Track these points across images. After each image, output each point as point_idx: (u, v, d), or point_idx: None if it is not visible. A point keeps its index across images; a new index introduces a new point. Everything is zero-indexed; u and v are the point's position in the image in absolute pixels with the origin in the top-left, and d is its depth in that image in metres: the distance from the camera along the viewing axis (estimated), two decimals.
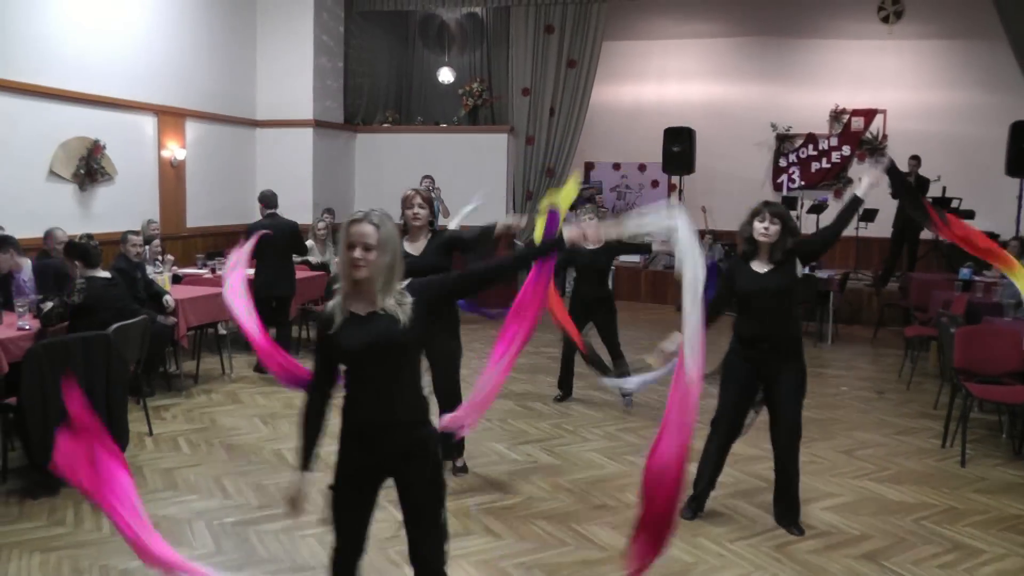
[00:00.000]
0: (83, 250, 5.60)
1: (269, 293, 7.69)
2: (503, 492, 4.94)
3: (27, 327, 5.43)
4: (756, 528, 4.46)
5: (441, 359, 5.05)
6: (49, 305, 5.46)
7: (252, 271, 7.98)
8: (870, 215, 11.94)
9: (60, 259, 6.25)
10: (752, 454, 5.34)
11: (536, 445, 5.83)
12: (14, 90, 7.96)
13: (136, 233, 7.13)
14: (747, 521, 4.57)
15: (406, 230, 4.98)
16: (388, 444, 2.79)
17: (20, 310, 5.56)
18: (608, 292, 6.95)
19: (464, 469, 5.25)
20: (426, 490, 2.87)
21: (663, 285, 12.84)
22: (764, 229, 4.27)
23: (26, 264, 6.32)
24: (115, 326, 5.19)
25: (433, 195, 9.49)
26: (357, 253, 2.67)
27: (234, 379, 7.56)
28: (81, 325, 5.33)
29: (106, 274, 5.70)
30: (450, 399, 5.10)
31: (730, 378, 4.51)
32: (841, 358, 9.10)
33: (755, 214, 4.34)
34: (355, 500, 2.89)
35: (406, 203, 4.99)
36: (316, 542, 4.14)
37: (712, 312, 4.51)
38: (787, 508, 4.52)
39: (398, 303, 2.72)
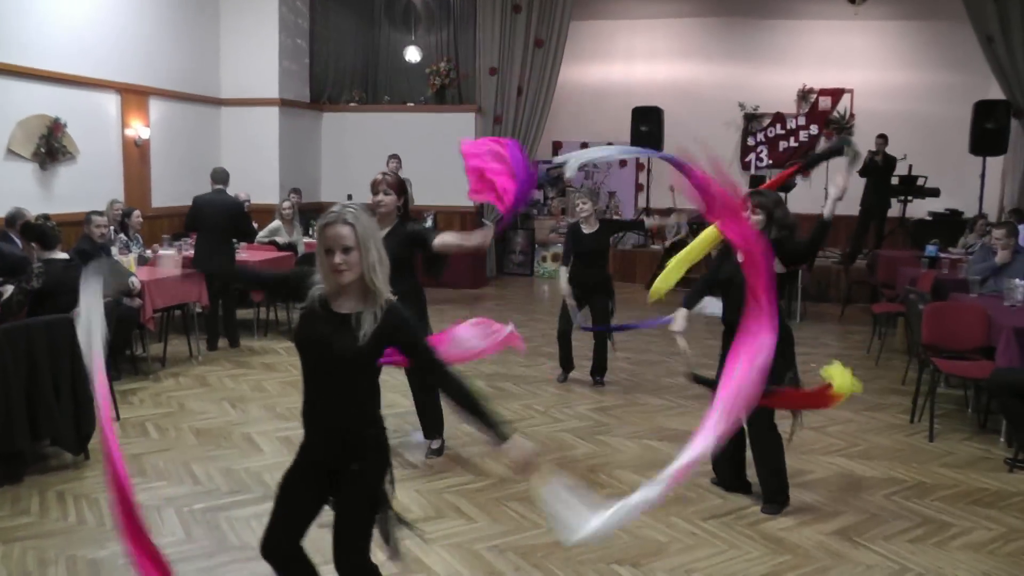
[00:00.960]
0: (40, 231, 5.47)
1: (203, 269, 7.61)
2: (475, 474, 4.92)
3: None
4: (728, 507, 4.49)
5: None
6: (9, 291, 5.33)
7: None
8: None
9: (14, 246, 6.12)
10: None
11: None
12: None
13: (100, 214, 7.01)
14: (718, 500, 4.59)
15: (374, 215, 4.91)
16: (327, 443, 2.77)
17: None
18: (606, 276, 6.87)
19: (439, 452, 5.23)
20: (356, 498, 2.81)
21: (631, 263, 12.86)
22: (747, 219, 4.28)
23: None
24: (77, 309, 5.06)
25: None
26: (337, 258, 2.58)
27: (202, 362, 7.46)
28: (41, 310, 5.21)
29: (64, 255, 5.58)
30: (430, 410, 5.18)
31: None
32: (809, 335, 9.15)
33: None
34: (297, 488, 2.87)
35: (373, 188, 4.88)
36: None
37: (695, 296, 4.56)
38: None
39: (373, 313, 2.62)
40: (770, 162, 13.87)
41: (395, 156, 10.27)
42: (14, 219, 6.88)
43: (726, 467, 4.69)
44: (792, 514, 4.39)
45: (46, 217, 5.58)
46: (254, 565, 3.69)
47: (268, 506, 4.29)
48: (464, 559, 3.86)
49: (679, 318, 4.53)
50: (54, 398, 4.79)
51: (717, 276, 4.57)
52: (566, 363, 6.99)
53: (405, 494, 4.55)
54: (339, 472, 2.77)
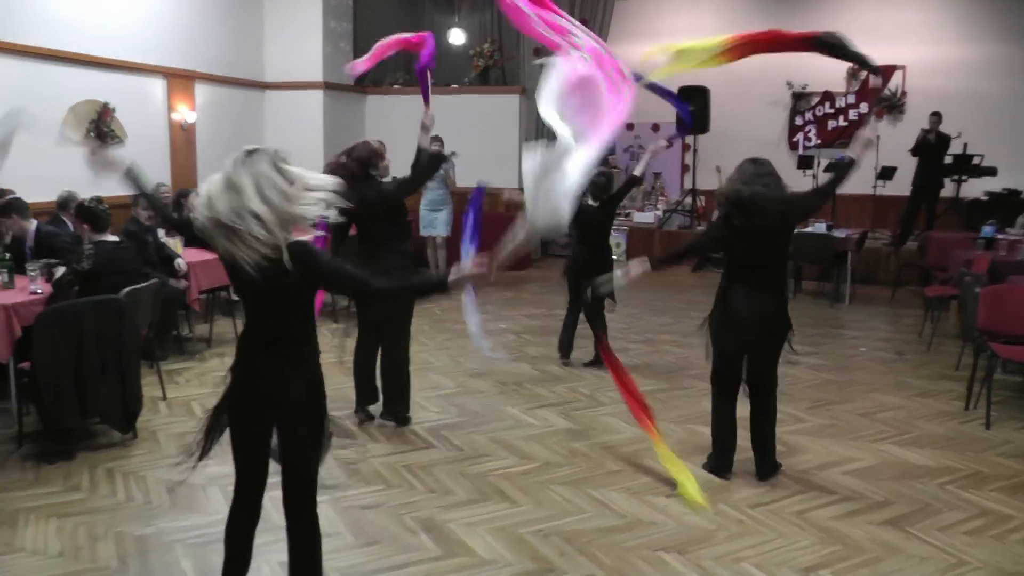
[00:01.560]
0: (92, 213, 5.53)
1: None
2: (519, 457, 4.90)
3: (39, 291, 5.39)
4: (775, 494, 4.39)
5: (391, 332, 5.12)
6: (61, 271, 5.41)
7: None
8: (888, 173, 11.75)
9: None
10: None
11: (552, 409, 5.78)
12: (25, 54, 7.89)
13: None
14: (766, 487, 4.50)
15: None
16: (267, 377, 2.79)
17: (32, 274, 5.52)
18: (607, 255, 6.75)
19: (407, 421, 5.32)
20: (295, 432, 2.86)
21: (677, 245, 12.68)
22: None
23: (31, 228, 6.27)
24: (127, 290, 5.14)
25: (447, 162, 9.44)
26: None
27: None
28: (91, 290, 5.28)
29: (114, 238, 5.64)
30: (394, 378, 5.27)
31: None
32: (858, 319, 8.99)
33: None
34: (246, 430, 2.89)
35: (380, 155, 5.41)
36: (332, 509, 4.10)
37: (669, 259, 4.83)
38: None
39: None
40: (818, 141, 13.59)
41: (437, 138, 10.20)
42: (66, 202, 6.98)
43: (730, 451, 4.64)
44: (841, 502, 4.30)
45: (99, 200, 5.63)
46: None
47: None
48: (508, 543, 3.83)
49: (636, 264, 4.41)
50: (102, 377, 4.85)
51: (710, 247, 4.71)
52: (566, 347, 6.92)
53: (449, 478, 4.56)
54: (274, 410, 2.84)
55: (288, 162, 2.70)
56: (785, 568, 3.63)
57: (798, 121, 13.92)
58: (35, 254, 6.04)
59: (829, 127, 13.70)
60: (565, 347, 6.89)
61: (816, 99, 13.77)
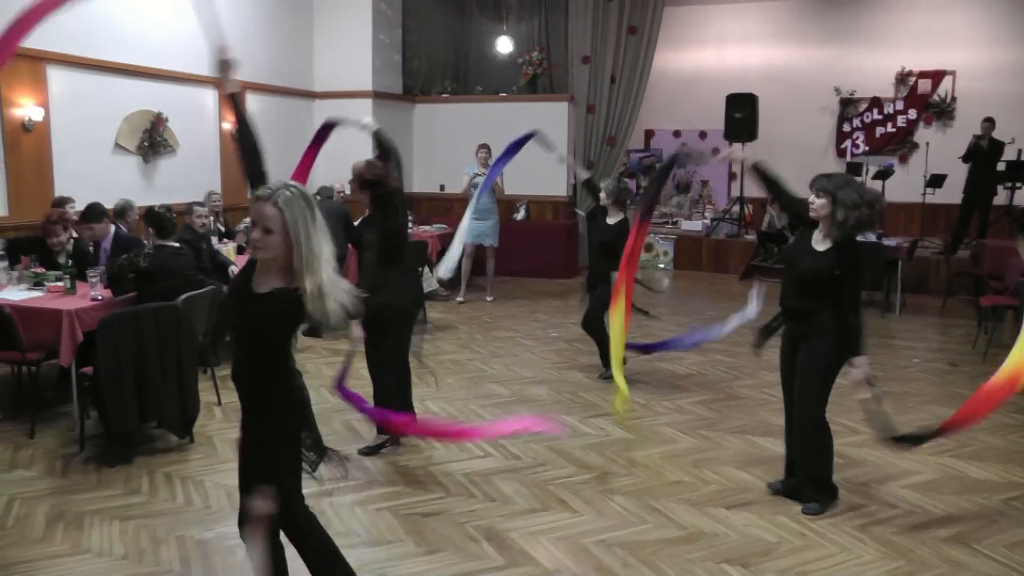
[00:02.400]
0: (158, 219, 5.63)
1: None
2: (577, 466, 4.88)
3: (99, 297, 5.48)
4: (837, 506, 4.32)
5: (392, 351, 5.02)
6: (122, 257, 5.50)
7: None
8: (937, 180, 11.56)
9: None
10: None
11: (607, 419, 5.75)
12: (82, 66, 8.05)
13: (201, 204, 7.18)
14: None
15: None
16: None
17: (92, 280, 5.62)
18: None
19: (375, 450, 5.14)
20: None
21: (724, 254, 12.60)
22: (810, 203, 4.13)
23: (111, 231, 6.44)
24: (184, 296, 5.22)
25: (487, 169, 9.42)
26: (255, 234, 2.58)
27: (300, 349, 7.58)
28: (148, 291, 5.37)
29: (175, 244, 5.73)
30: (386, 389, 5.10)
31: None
32: (910, 329, 8.84)
33: (810, 186, 4.18)
34: None
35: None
36: (392, 516, 4.11)
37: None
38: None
39: (289, 296, 2.57)
40: (867, 148, 13.43)
41: (484, 146, 10.21)
42: (123, 210, 7.09)
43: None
44: (903, 517, 4.23)
45: (168, 208, 5.75)
46: (360, 552, 3.72)
47: (372, 492, 4.39)
48: (571, 552, 3.82)
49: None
50: (161, 382, 4.91)
51: (796, 219, 4.46)
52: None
53: (509, 486, 4.55)
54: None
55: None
56: None
57: (846, 128, 13.76)
58: (113, 254, 6.18)
59: (877, 134, 13.54)
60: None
61: (864, 105, 13.60)
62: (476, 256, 10.23)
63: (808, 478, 4.33)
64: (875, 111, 13.57)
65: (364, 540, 3.90)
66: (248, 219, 2.86)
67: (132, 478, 4.64)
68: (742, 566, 3.70)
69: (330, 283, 2.56)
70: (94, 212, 6.34)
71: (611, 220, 6.47)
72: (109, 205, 7.32)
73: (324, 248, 2.58)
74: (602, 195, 6.53)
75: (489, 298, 10.05)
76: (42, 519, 4.15)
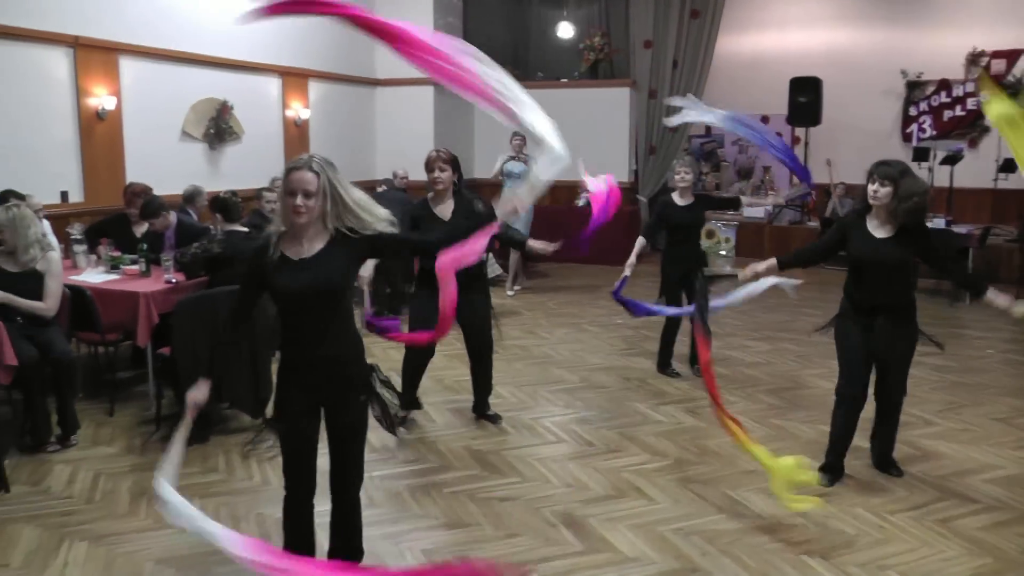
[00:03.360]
0: (225, 205, 5.70)
1: None
2: (651, 454, 4.86)
3: (172, 280, 5.57)
4: (915, 500, 4.25)
5: (474, 319, 4.99)
6: (193, 247, 5.58)
7: None
8: (1010, 165, 11.20)
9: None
10: (902, 420, 5.01)
11: (678, 406, 5.72)
12: (149, 55, 8.21)
13: (270, 190, 7.25)
14: (904, 492, 4.35)
15: (432, 191, 4.99)
16: (322, 379, 2.94)
17: (166, 264, 5.72)
18: (702, 252, 6.42)
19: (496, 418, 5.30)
20: (351, 425, 3.03)
21: (787, 241, 12.40)
22: (873, 192, 4.09)
23: (173, 221, 6.51)
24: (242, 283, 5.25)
25: (525, 156, 9.32)
26: (298, 200, 2.77)
27: (366, 334, 7.61)
28: (220, 276, 5.45)
29: (243, 228, 5.79)
30: (482, 358, 5.15)
31: (844, 344, 4.36)
32: (981, 318, 8.60)
33: (869, 175, 4.13)
34: (298, 436, 3.03)
35: (428, 166, 4.91)
36: (469, 500, 4.13)
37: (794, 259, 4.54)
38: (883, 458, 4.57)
39: (337, 242, 2.86)
40: (934, 132, 13.05)
41: (519, 135, 10.05)
42: (192, 196, 7.21)
43: (842, 452, 4.48)
44: (986, 512, 4.13)
45: (233, 193, 5.83)
46: (438, 534, 3.74)
47: (447, 476, 4.41)
48: (649, 540, 3.81)
49: (765, 266, 4.46)
50: (236, 364, 4.97)
51: (830, 248, 4.39)
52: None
53: (584, 472, 4.55)
54: (328, 408, 3.01)
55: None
56: None
57: (912, 111, 13.39)
58: (177, 244, 6.28)
59: (945, 117, 13.15)
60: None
61: (932, 88, 13.22)
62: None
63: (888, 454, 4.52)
64: (943, 93, 13.16)
65: (442, 523, 3.92)
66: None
67: (209, 457, 4.74)
68: (822, 558, 3.65)
69: (367, 203, 2.92)
70: (152, 208, 6.35)
71: (684, 202, 6.25)
72: (177, 192, 7.47)
73: (356, 195, 2.90)
74: (679, 177, 6.28)
75: (510, 293, 9.72)
76: (126, 494, 4.28)
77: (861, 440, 4.59)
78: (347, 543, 3.21)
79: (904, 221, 4.06)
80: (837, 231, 4.34)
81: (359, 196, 2.90)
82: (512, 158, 9.52)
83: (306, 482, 3.09)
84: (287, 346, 2.98)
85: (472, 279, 4.93)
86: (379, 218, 2.91)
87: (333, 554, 3.21)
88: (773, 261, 4.46)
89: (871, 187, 4.09)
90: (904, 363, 4.32)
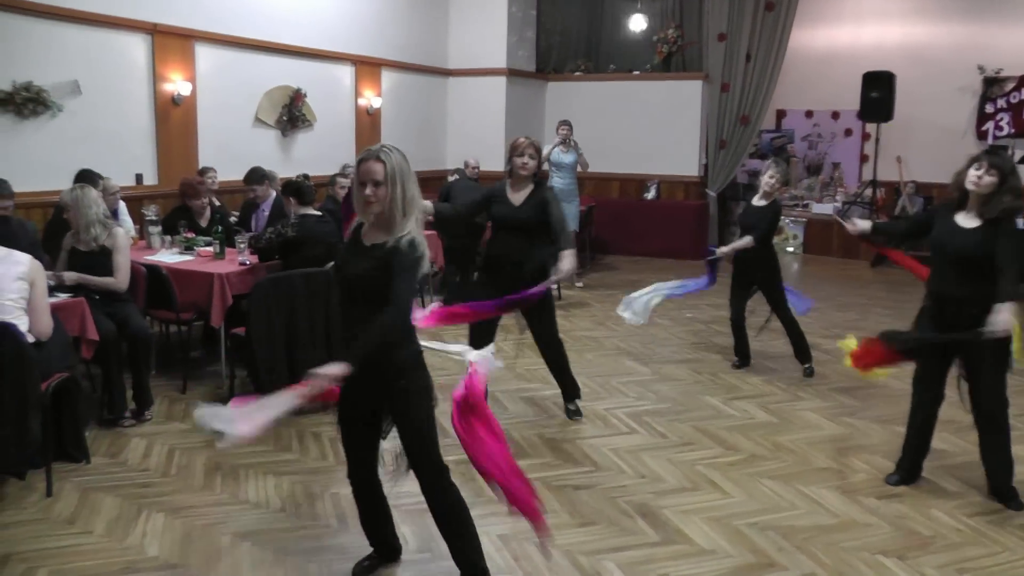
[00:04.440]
0: (298, 188, 5.76)
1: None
2: (724, 447, 4.81)
3: (247, 263, 5.65)
4: (993, 504, 4.11)
5: (536, 308, 4.89)
6: (268, 231, 5.67)
7: None
8: None
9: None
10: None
11: (750, 401, 5.65)
12: (225, 43, 8.35)
13: (344, 176, 7.30)
14: (980, 496, 4.21)
15: (511, 176, 4.91)
16: (381, 366, 2.89)
17: (241, 246, 5.80)
18: (771, 250, 6.18)
19: (578, 413, 5.25)
20: (409, 407, 2.98)
21: (855, 239, 12.11)
22: (977, 177, 3.86)
23: (272, 195, 6.67)
24: (333, 264, 5.31)
25: (572, 144, 9.21)
26: (368, 190, 2.79)
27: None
28: (294, 259, 5.50)
29: (317, 212, 5.84)
30: (551, 345, 5.08)
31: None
32: None
33: (973, 160, 3.93)
34: (356, 421, 3.08)
35: (516, 150, 4.86)
36: (542, 486, 4.14)
37: (882, 237, 4.64)
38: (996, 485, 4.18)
39: (402, 237, 2.82)
40: (1012, 131, 12.60)
41: (566, 122, 9.89)
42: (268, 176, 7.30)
43: (915, 455, 4.33)
44: None
45: (306, 176, 5.90)
46: (514, 521, 3.71)
47: (521, 463, 4.35)
48: (724, 533, 3.76)
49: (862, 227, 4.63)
50: (311, 345, 5.03)
51: (915, 225, 4.30)
52: (742, 353, 6.46)
53: (657, 464, 4.52)
54: (388, 394, 2.97)
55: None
56: None
57: (988, 108, 12.95)
58: (271, 220, 6.40)
59: None
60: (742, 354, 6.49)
61: (1011, 85, 12.76)
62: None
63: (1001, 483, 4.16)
64: (1023, 91, 12.74)
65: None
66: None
67: (282, 436, 4.79)
68: (898, 558, 3.57)
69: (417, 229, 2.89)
70: (256, 175, 6.56)
71: (760, 202, 6.11)
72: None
73: (416, 195, 2.89)
74: (770, 179, 6.14)
75: (579, 284, 9.59)
76: (201, 469, 4.36)
77: (938, 442, 4.46)
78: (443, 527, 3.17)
79: (996, 216, 3.86)
80: (926, 212, 4.21)
81: (413, 195, 2.87)
82: (559, 145, 9.34)
83: (366, 464, 3.17)
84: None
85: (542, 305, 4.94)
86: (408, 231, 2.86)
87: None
88: (869, 224, 4.66)
89: (974, 172, 3.88)
90: (994, 367, 4.00)
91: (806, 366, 6.23)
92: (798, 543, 3.67)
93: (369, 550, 3.39)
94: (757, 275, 6.13)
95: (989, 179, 3.85)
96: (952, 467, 4.47)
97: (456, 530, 3.11)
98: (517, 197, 4.87)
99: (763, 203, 6.04)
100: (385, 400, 3.00)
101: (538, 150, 4.87)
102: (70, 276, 4.92)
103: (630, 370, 6.35)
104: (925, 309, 4.18)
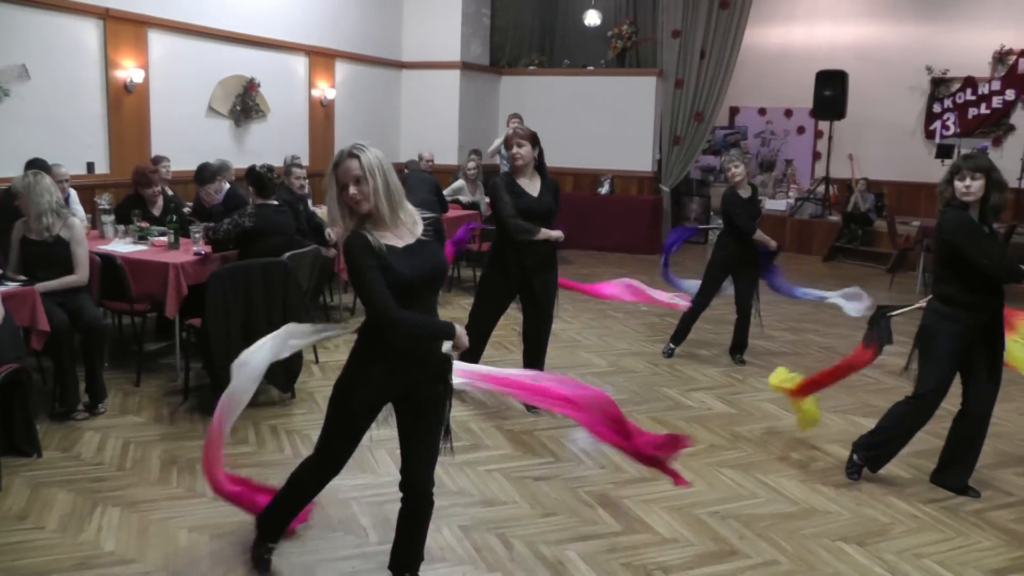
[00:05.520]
0: (259, 178, 5.69)
1: None
2: None
3: (201, 252, 5.56)
4: (945, 492, 4.20)
5: (545, 296, 5.07)
6: (225, 222, 5.58)
7: None
8: None
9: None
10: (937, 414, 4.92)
11: (708, 392, 5.70)
12: (178, 30, 8.22)
13: (300, 166, 7.22)
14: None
15: (513, 169, 4.99)
16: (425, 365, 2.80)
17: (195, 236, 5.70)
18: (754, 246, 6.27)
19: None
20: (437, 411, 2.88)
21: (808, 234, 12.33)
22: (966, 188, 3.83)
23: (226, 187, 6.57)
24: (289, 254, 5.28)
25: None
26: (351, 190, 2.66)
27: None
28: (251, 249, 5.43)
29: (275, 203, 5.77)
30: (542, 339, 5.22)
31: None
32: None
33: (953, 173, 3.89)
34: (365, 422, 2.93)
35: (507, 143, 4.97)
36: (504, 478, 4.12)
37: None
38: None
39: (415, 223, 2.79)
40: (958, 131, 12.92)
41: (516, 115, 9.96)
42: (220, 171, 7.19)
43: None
44: (1021, 505, 4.09)
45: (270, 168, 5.82)
46: (476, 511, 3.73)
47: (479, 455, 4.38)
48: (686, 523, 3.79)
49: None
50: (269, 334, 4.94)
51: None
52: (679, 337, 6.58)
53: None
54: (417, 393, 2.86)
55: None
56: (971, 569, 3.48)
57: (936, 108, 13.26)
58: (224, 211, 6.31)
59: (970, 115, 13.01)
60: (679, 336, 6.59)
61: (957, 85, 13.08)
62: None
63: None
64: (968, 91, 13.03)
65: (478, 500, 3.91)
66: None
67: (238, 429, 4.71)
68: (859, 544, 3.63)
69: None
70: (207, 172, 6.46)
71: (747, 194, 6.18)
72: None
73: (398, 183, 2.76)
74: (739, 172, 6.17)
75: None
76: (157, 463, 4.29)
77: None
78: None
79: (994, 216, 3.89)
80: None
81: (398, 185, 2.77)
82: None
83: (341, 465, 3.06)
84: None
85: (549, 256, 5.09)
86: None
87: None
88: None
89: (961, 184, 3.82)
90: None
91: (737, 357, 6.47)
92: (759, 531, 3.71)
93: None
94: (751, 267, 6.26)
95: (977, 183, 3.81)
96: (907, 455, 4.51)
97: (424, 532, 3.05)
98: (532, 187, 4.95)
99: (750, 193, 6.18)
100: (427, 399, 2.87)
101: (527, 136, 4.92)
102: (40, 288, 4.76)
103: (587, 362, 6.38)
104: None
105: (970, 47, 12.79)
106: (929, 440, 4.71)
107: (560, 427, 4.92)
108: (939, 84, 13.18)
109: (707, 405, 5.43)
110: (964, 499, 4.11)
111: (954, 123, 13.08)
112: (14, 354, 4.10)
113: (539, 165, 5.00)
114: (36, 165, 5.76)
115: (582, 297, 8.49)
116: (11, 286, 4.51)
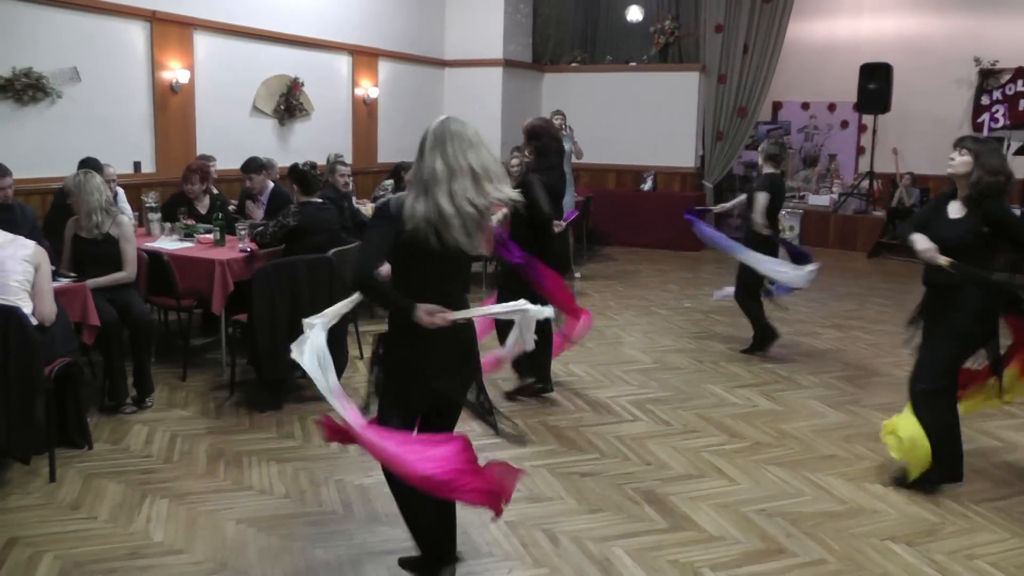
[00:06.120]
0: (302, 176, 5.71)
1: None
2: (729, 435, 4.80)
3: (247, 250, 5.61)
4: (1000, 491, 4.13)
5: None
6: (270, 224, 5.62)
7: None
8: None
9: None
10: (987, 411, 4.78)
11: (753, 389, 5.65)
12: (223, 31, 8.32)
13: (344, 164, 7.26)
14: (986, 483, 4.22)
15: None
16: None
17: (241, 233, 5.76)
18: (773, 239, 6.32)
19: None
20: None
21: (852, 230, 12.16)
22: (950, 160, 3.83)
23: (271, 185, 6.65)
24: (334, 250, 5.30)
25: (565, 134, 9.19)
26: None
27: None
28: (296, 247, 5.46)
29: (319, 200, 5.81)
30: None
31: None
32: None
33: (955, 145, 3.88)
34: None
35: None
36: (550, 473, 4.13)
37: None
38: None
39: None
40: (1007, 123, 12.59)
41: (559, 112, 9.88)
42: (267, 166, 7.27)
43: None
44: None
45: (313, 165, 5.85)
46: (522, 507, 3.76)
47: (525, 450, 4.38)
48: (733, 520, 3.76)
49: (920, 240, 3.90)
50: None
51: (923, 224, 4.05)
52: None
53: (663, 451, 4.51)
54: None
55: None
56: None
57: (985, 100, 12.94)
58: (269, 209, 6.38)
59: (1020, 107, 12.66)
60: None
61: (1007, 77, 12.76)
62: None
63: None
64: (1020, 82, 12.71)
65: (524, 496, 3.89)
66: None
67: (284, 423, 4.78)
68: (908, 544, 3.57)
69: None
70: (254, 164, 6.57)
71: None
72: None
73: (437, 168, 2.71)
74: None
75: (577, 275, 9.53)
76: (204, 456, 4.34)
77: None
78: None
79: (980, 199, 3.77)
80: (925, 210, 4.13)
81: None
82: None
83: None
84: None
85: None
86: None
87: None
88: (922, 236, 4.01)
89: (950, 157, 3.84)
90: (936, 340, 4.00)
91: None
92: (807, 529, 3.66)
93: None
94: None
95: (962, 159, 3.79)
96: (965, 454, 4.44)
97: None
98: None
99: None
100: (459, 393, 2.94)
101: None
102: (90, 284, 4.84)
103: (631, 359, 6.34)
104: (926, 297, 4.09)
105: (1020, 36, 12.49)
106: (983, 440, 4.64)
107: (605, 424, 4.92)
108: (988, 76, 12.86)
109: (752, 402, 5.38)
110: (1017, 499, 4.02)
111: (1003, 115, 12.75)
112: (67, 348, 4.18)
113: (539, 159, 5.11)
114: (89, 164, 5.88)
115: (626, 295, 8.50)
116: (63, 282, 4.61)
